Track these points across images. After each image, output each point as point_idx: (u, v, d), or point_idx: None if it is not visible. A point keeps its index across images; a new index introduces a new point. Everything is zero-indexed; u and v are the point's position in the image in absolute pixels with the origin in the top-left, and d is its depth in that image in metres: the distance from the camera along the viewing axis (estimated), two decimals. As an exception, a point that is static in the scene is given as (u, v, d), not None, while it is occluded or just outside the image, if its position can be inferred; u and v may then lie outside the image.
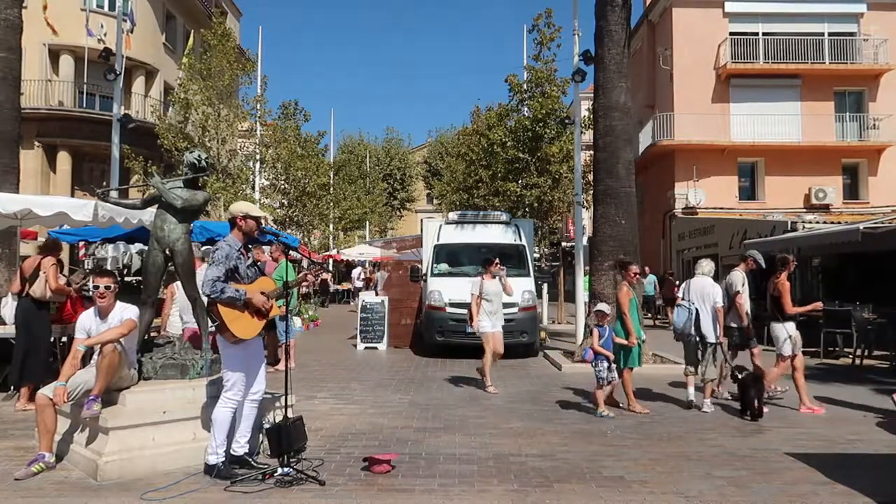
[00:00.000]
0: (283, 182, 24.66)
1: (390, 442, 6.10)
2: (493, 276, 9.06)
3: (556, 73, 18.64)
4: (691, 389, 7.82)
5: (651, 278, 20.55)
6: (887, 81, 24.01)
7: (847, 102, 24.74)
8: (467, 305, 11.95)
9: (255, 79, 22.39)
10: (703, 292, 7.78)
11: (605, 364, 7.28)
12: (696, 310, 7.72)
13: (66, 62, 23.87)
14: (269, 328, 7.23)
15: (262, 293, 4.96)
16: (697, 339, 7.69)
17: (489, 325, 9.01)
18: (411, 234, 26.44)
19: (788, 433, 6.54)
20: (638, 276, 8.36)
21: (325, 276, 28.11)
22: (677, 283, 21.29)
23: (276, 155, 23.16)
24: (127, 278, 12.94)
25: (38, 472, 4.95)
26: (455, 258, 13.43)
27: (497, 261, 9.29)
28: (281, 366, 8.60)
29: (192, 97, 19.18)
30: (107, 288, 5.33)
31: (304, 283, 6.26)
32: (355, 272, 30.28)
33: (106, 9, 24.26)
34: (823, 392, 8.77)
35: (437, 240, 13.61)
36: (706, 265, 8.11)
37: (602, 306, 7.69)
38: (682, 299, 7.96)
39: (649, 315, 20.15)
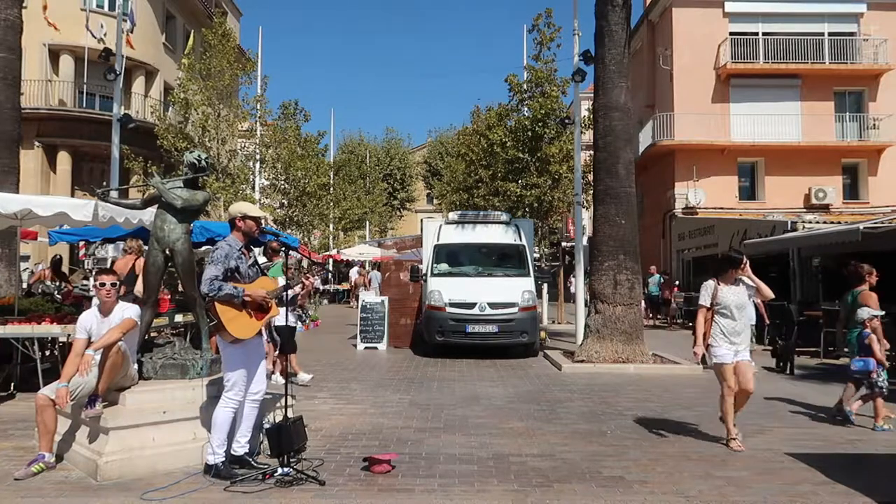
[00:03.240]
0: (283, 182, 24.68)
1: (390, 442, 6.10)
2: (736, 282, 6.15)
3: (556, 73, 18.66)
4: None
5: (656, 278, 20.60)
6: (887, 81, 24.00)
7: (847, 102, 24.72)
8: (467, 305, 12.07)
9: (255, 79, 22.40)
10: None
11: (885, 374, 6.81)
12: None
13: (66, 62, 23.86)
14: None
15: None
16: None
17: (728, 354, 5.97)
18: (411, 234, 26.42)
19: (788, 433, 6.54)
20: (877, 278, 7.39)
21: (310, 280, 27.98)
22: (677, 283, 21.35)
23: (276, 155, 23.18)
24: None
25: (38, 472, 4.94)
26: (455, 258, 13.44)
27: (746, 262, 6.14)
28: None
29: (191, 97, 19.20)
30: (112, 285, 5.36)
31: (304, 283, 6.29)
32: (353, 272, 30.31)
33: (106, 9, 24.26)
34: (823, 392, 8.79)
35: (437, 240, 13.61)
36: None
37: (878, 312, 6.97)
38: None
39: (650, 315, 20.16)
